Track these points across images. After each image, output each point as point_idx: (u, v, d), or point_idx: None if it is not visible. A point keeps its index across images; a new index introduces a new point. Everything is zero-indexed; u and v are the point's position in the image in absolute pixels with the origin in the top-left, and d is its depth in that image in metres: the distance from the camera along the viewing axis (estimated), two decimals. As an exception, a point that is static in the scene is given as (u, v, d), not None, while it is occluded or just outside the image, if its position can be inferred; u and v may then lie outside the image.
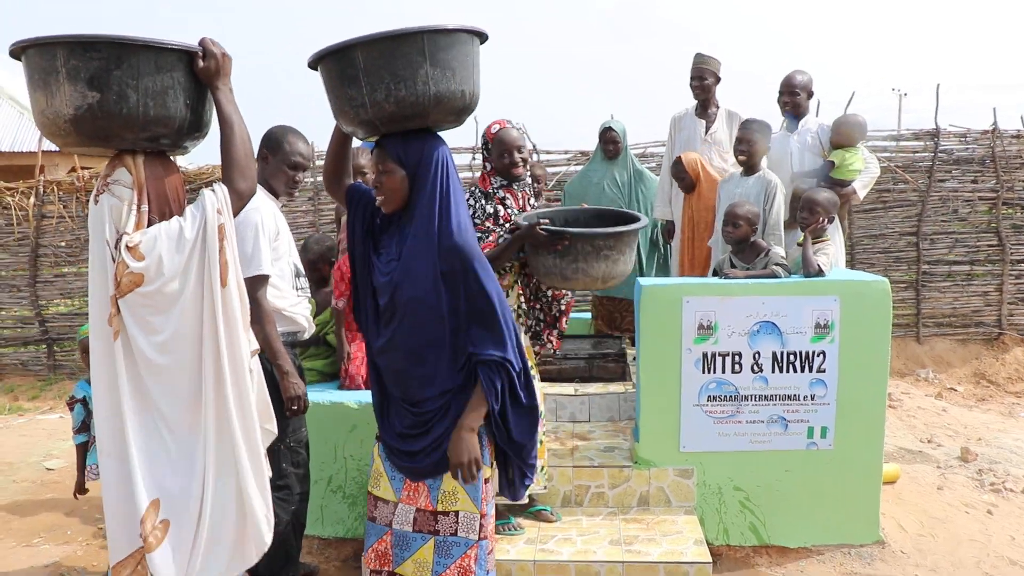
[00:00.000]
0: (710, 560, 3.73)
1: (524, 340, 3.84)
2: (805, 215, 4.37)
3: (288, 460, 3.43)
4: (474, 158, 8.54)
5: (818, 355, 4.13)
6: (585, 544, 3.85)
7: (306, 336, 3.57)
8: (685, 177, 5.42)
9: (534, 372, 3.89)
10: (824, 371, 4.14)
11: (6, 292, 9.24)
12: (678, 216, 5.74)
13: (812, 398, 4.15)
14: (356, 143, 2.95)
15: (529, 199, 3.88)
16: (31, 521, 4.93)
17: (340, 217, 4.71)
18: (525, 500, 3.78)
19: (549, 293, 3.92)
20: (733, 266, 4.39)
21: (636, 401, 4.32)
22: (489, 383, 2.53)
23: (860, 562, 4.11)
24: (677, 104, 6.02)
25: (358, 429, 4.17)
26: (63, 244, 9.07)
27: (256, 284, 3.16)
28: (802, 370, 4.14)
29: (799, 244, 4.37)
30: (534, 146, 8.48)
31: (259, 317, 3.16)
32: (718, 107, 5.75)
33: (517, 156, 3.67)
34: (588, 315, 6.48)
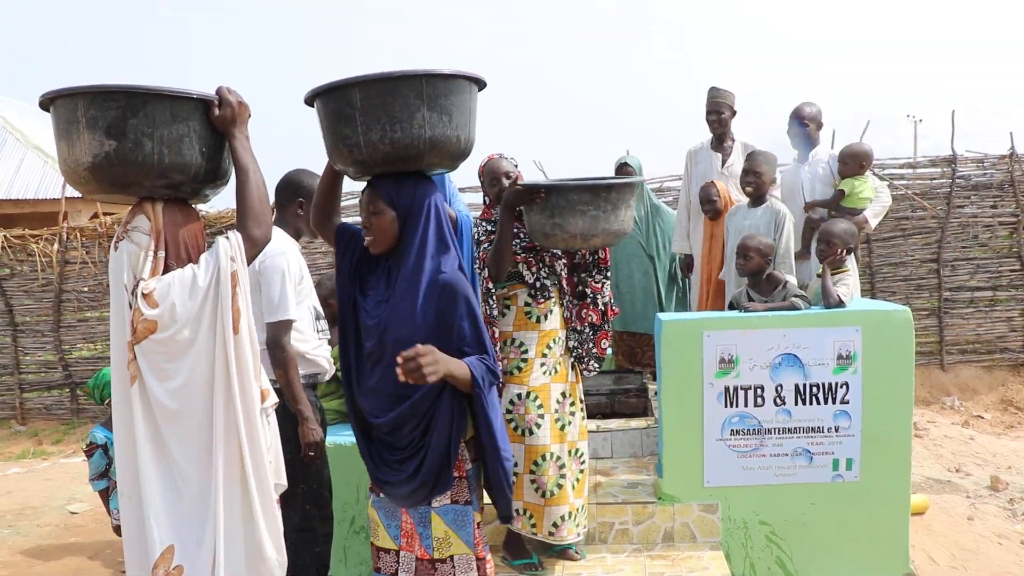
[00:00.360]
0: (738, 597, 3.69)
1: (570, 375, 3.86)
2: (823, 247, 4.36)
3: (311, 502, 3.43)
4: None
5: (841, 386, 4.10)
6: (611, 582, 3.81)
7: (327, 378, 3.58)
8: (716, 201, 5.33)
9: (578, 408, 3.91)
10: (848, 402, 4.10)
11: (30, 337, 9.34)
12: (697, 250, 5.74)
13: (836, 430, 4.12)
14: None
15: None
16: (55, 565, 4.94)
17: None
18: (555, 540, 3.77)
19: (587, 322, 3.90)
20: (750, 299, 4.38)
21: (659, 436, 4.30)
22: (477, 364, 2.49)
23: (891, 596, 4.05)
24: (693, 138, 6.02)
25: (380, 469, 4.15)
26: (86, 289, 9.17)
27: (282, 329, 3.18)
28: (825, 402, 4.12)
29: (818, 275, 4.36)
30: (544, 176, 8.50)
31: (283, 362, 3.17)
32: (734, 140, 5.76)
33: (505, 181, 3.78)
34: (608, 351, 6.46)
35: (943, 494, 5.33)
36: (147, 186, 2.37)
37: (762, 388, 4.12)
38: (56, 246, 9.07)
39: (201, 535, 2.36)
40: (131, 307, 2.33)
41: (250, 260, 2.46)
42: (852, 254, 4.55)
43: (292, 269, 3.31)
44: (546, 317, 3.77)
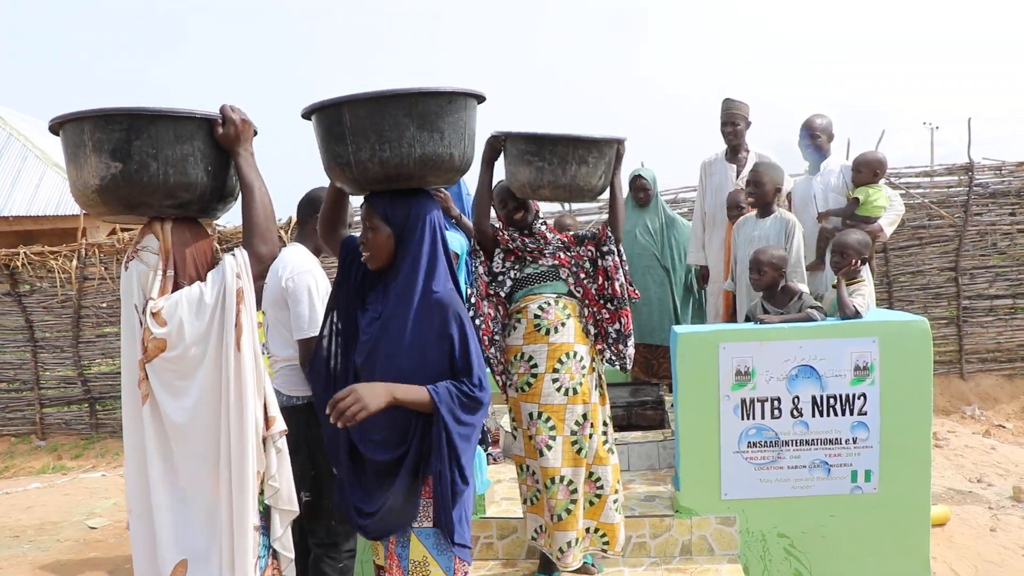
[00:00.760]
0: (757, 611, 3.67)
1: (593, 396, 3.75)
2: (837, 258, 4.34)
3: (337, 517, 3.44)
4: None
5: (859, 397, 4.08)
6: (628, 596, 3.79)
7: None
8: (744, 208, 5.22)
9: (599, 431, 3.77)
10: (866, 413, 4.08)
11: (50, 353, 9.43)
12: (712, 261, 5.74)
13: (854, 441, 4.09)
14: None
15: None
16: (75, 582, 4.97)
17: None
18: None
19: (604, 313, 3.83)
20: (765, 311, 4.36)
21: (675, 449, 4.28)
22: (444, 389, 2.44)
23: (912, 609, 4.01)
24: (708, 148, 6.01)
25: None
26: (104, 305, 9.25)
27: (313, 346, 3.19)
28: (843, 413, 4.09)
29: (833, 287, 4.34)
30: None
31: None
32: (748, 151, 5.75)
33: (511, 204, 3.80)
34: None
35: (964, 505, 5.28)
36: (155, 206, 2.39)
37: (779, 400, 4.10)
38: (75, 262, 9.16)
39: (210, 549, 2.38)
40: (142, 326, 2.35)
41: (256, 277, 2.48)
42: (868, 264, 4.52)
43: (320, 285, 3.34)
44: (557, 330, 3.68)
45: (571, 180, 3.52)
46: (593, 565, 3.97)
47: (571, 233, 3.89)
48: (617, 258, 3.78)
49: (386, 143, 2.39)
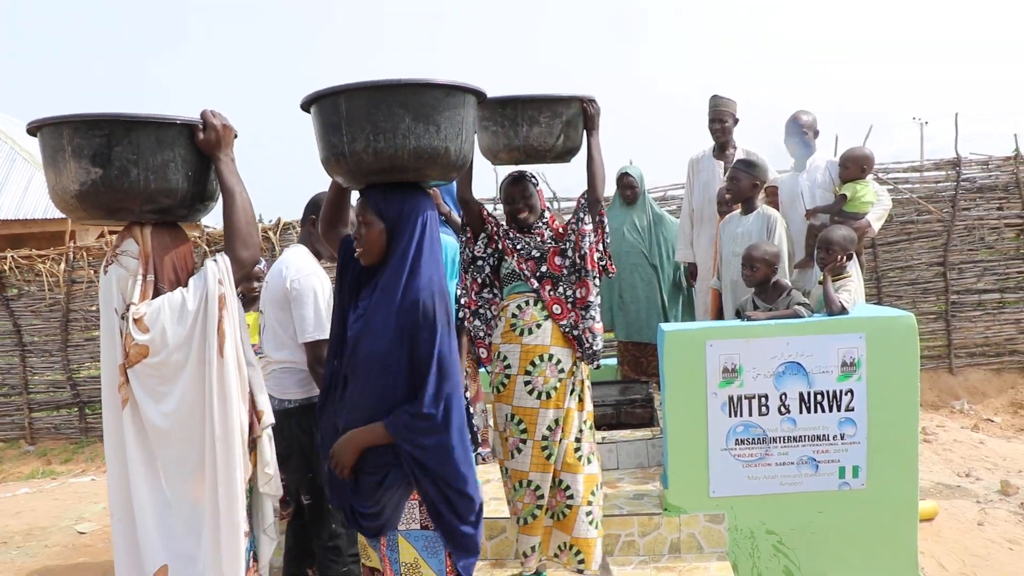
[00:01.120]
0: (745, 608, 3.67)
1: (569, 401, 3.61)
2: (823, 254, 4.35)
3: (338, 521, 3.42)
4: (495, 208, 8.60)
5: (846, 393, 4.08)
6: (617, 595, 3.79)
7: None
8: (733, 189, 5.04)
9: (570, 438, 3.62)
10: (853, 409, 4.09)
11: (39, 357, 9.37)
12: (700, 258, 5.74)
13: (842, 437, 4.10)
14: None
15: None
16: (64, 587, 4.95)
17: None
18: None
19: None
20: (756, 307, 4.37)
21: (663, 447, 4.28)
22: (394, 421, 2.42)
23: (900, 604, 4.02)
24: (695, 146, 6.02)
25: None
26: (93, 308, 9.20)
27: (320, 348, 3.18)
28: (830, 409, 4.10)
29: (820, 283, 4.34)
30: (554, 194, 8.50)
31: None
32: (735, 148, 5.76)
33: (518, 202, 3.70)
34: (614, 361, 6.45)
35: (953, 499, 5.29)
36: (135, 211, 2.39)
37: (766, 397, 4.10)
38: (63, 266, 9.11)
39: (195, 552, 2.38)
40: (122, 331, 2.34)
41: (238, 282, 2.48)
42: (856, 259, 4.53)
43: (325, 287, 3.35)
44: (531, 331, 3.59)
45: (524, 141, 3.50)
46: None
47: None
48: (590, 225, 3.66)
49: (380, 133, 2.37)
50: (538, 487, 3.60)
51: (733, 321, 4.40)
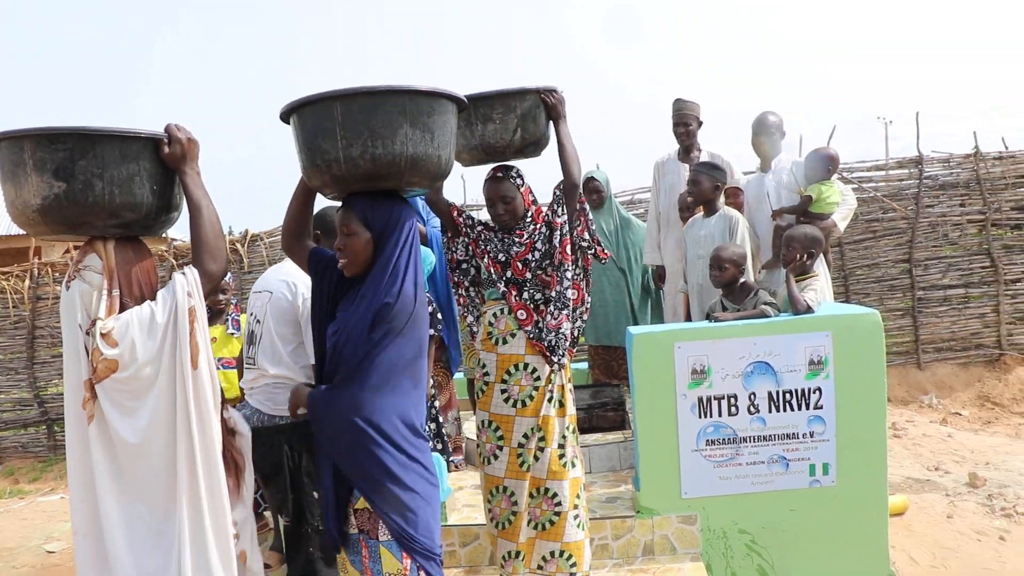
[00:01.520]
0: (719, 608, 3.68)
1: (547, 409, 3.55)
2: (784, 252, 4.39)
3: (314, 544, 3.36)
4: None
5: (814, 392, 4.11)
6: (592, 599, 3.78)
7: None
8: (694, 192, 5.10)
9: (552, 445, 3.55)
10: (821, 407, 4.12)
11: (4, 375, 9.25)
12: (668, 261, 5.76)
13: (811, 435, 4.13)
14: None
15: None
16: (33, 609, 4.87)
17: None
18: None
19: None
20: (724, 308, 4.39)
21: (635, 450, 4.29)
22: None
23: (872, 599, 4.05)
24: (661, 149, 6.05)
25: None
26: (59, 325, 9.06)
27: None
28: (799, 408, 4.12)
29: (786, 282, 4.38)
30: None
31: None
32: (700, 151, 5.79)
33: (499, 206, 3.58)
34: (585, 365, 6.46)
35: (922, 493, 5.35)
36: (98, 226, 2.36)
37: (735, 397, 4.12)
38: (27, 282, 9.00)
39: (166, 565, 2.35)
40: (87, 347, 2.31)
41: (207, 295, 2.46)
42: (823, 259, 4.56)
43: None
44: (506, 340, 3.56)
45: (480, 140, 3.47)
46: None
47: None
48: (563, 217, 3.57)
49: (379, 139, 2.38)
50: (513, 493, 3.57)
51: (701, 323, 4.42)
